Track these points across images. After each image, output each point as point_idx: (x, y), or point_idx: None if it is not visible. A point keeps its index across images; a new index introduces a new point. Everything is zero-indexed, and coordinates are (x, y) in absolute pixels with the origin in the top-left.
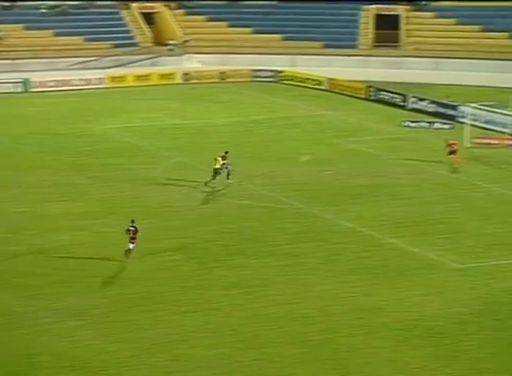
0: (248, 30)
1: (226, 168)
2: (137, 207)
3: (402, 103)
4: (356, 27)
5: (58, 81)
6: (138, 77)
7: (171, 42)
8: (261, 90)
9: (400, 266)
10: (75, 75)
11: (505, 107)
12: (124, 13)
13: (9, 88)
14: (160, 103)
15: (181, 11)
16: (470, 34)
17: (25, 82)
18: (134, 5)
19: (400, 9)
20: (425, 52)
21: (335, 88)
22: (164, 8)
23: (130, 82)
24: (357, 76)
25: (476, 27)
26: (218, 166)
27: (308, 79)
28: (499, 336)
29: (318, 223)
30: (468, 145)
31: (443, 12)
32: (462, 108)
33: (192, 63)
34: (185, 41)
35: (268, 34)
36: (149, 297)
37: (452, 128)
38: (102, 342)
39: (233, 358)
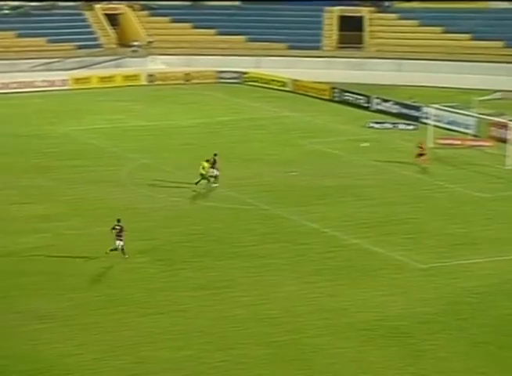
0: (212, 31)
1: (213, 172)
2: (102, 209)
3: (366, 105)
4: (320, 29)
5: (21, 82)
6: (102, 79)
7: (135, 44)
8: (226, 91)
9: (364, 267)
10: (38, 77)
11: (467, 108)
12: (87, 14)
13: None
14: (125, 104)
15: (145, 12)
16: (433, 36)
17: None
18: (97, 6)
19: (364, 11)
20: (388, 54)
21: (299, 90)
22: (127, 9)
23: (94, 84)
24: (321, 77)
25: (438, 29)
26: (203, 171)
27: (272, 80)
28: (463, 335)
29: (283, 224)
30: (432, 145)
31: (406, 14)
32: (425, 109)
33: (157, 64)
34: (150, 43)
35: (233, 36)
36: (114, 299)
37: (416, 129)
38: (66, 345)
39: (200, 360)
